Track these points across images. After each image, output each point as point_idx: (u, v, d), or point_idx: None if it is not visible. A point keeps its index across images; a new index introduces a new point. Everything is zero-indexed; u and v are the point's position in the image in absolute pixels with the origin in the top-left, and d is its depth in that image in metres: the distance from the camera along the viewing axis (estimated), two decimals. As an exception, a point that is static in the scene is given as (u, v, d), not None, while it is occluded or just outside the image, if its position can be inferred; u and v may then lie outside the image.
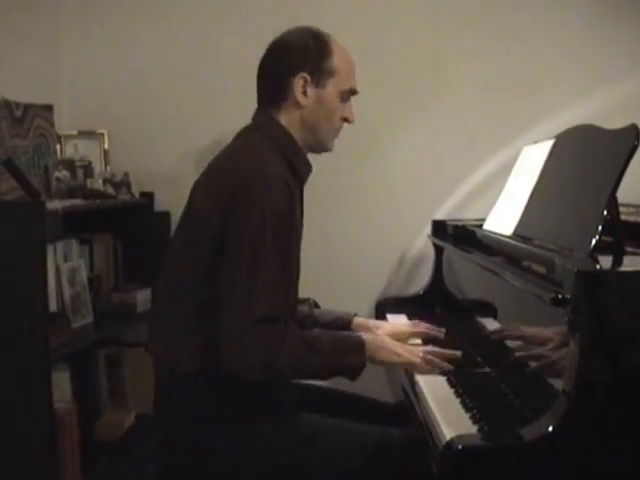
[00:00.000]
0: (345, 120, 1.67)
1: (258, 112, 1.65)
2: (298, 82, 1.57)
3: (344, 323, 1.85)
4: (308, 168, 1.66)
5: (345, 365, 1.51)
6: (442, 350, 1.63)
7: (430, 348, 1.64)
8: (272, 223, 1.43)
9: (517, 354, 1.52)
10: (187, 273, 1.52)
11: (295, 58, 1.58)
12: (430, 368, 1.57)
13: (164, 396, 1.57)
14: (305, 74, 1.57)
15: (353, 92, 1.67)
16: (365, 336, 1.58)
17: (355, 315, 1.89)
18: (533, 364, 1.43)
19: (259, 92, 1.65)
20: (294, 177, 1.59)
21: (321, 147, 1.67)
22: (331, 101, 1.61)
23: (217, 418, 1.49)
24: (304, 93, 1.58)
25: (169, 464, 1.57)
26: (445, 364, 1.58)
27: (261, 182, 1.45)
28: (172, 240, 1.64)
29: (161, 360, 1.57)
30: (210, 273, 1.47)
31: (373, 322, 1.92)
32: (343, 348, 1.52)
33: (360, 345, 1.53)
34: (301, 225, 1.67)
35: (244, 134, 1.64)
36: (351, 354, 1.52)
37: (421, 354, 1.58)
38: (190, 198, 1.57)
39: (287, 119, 1.60)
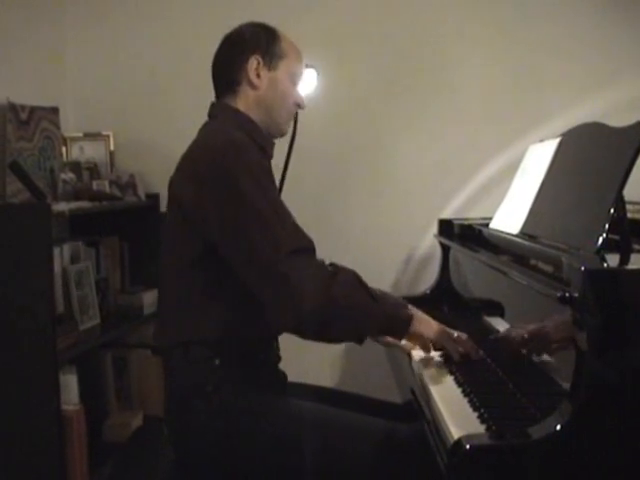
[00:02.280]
0: (297, 106, 1.71)
1: (213, 105, 1.69)
2: (252, 65, 1.62)
3: None
4: (271, 143, 1.69)
5: (397, 314, 1.55)
6: (471, 343, 1.65)
7: (465, 335, 1.66)
8: (260, 175, 1.48)
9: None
10: (186, 257, 1.53)
11: (247, 43, 1.64)
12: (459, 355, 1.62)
13: (178, 387, 1.55)
14: (257, 56, 1.62)
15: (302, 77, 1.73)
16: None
17: None
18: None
19: (215, 83, 1.69)
20: (260, 152, 1.62)
21: (277, 129, 1.69)
22: (283, 83, 1.65)
23: (232, 400, 1.49)
24: (258, 75, 1.63)
25: (182, 456, 1.56)
26: (475, 352, 1.63)
27: (235, 146, 1.50)
28: (163, 237, 1.63)
29: (174, 348, 1.55)
30: (210, 249, 1.48)
31: None
32: (393, 300, 1.58)
33: (405, 304, 1.59)
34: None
35: (204, 127, 1.67)
36: (400, 308, 1.57)
37: (455, 334, 1.63)
38: (169, 195, 1.59)
39: (243, 103, 1.64)
